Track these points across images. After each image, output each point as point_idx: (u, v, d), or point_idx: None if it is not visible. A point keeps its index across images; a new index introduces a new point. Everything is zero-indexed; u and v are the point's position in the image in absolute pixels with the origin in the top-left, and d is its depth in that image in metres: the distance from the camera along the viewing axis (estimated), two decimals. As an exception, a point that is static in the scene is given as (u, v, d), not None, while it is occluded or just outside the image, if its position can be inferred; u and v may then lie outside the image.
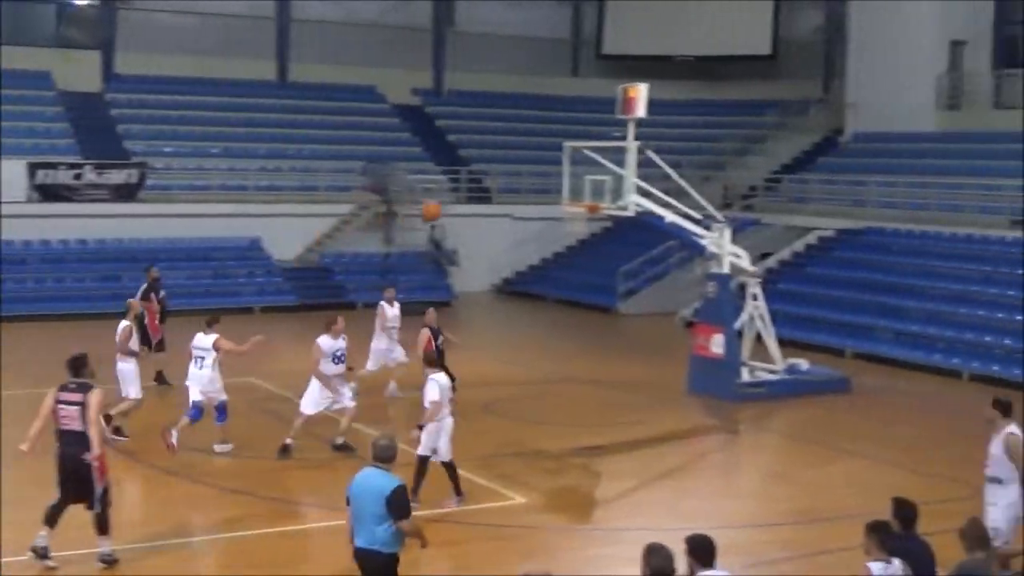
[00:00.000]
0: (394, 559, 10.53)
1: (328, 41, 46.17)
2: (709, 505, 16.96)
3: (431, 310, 22.23)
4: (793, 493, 17.84)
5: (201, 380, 18.57)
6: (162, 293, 25.23)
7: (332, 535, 14.99)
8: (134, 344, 20.12)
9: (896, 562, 9.59)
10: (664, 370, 24.15)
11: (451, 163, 43.35)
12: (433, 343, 20.98)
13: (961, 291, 29.77)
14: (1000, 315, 28.23)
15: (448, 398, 15.99)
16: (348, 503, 10.71)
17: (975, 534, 10.19)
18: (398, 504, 10.36)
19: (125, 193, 37.05)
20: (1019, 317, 27.72)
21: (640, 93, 23.27)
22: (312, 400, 18.85)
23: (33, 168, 36.01)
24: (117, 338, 19.76)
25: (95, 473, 13.20)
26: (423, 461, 15.94)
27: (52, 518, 13.34)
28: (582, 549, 15.14)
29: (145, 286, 25.16)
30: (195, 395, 18.53)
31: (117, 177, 37.02)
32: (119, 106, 41.80)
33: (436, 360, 17.37)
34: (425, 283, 38.47)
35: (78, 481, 13.22)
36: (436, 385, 15.72)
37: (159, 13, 44.18)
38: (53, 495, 13.40)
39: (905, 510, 10.32)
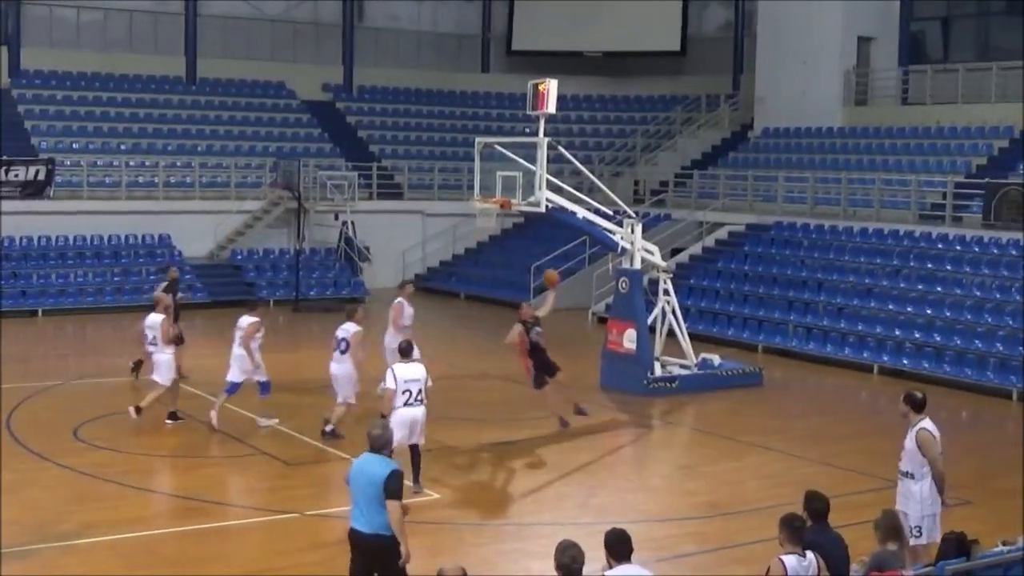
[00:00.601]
0: (396, 541, 10.88)
1: (236, 37, 45.85)
2: (620, 499, 17.02)
3: (526, 304, 21.84)
4: (704, 487, 17.94)
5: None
6: (180, 294, 24.72)
7: (243, 534, 14.91)
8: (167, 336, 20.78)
9: (810, 555, 9.65)
10: (576, 365, 24.13)
11: (361, 159, 43.14)
12: (527, 338, 20.67)
13: (870, 285, 30.11)
14: (909, 309, 28.59)
15: None
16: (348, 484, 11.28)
17: (888, 525, 10.30)
18: (392, 487, 10.82)
19: (33, 190, 36.46)
20: (928, 311, 28.13)
21: (550, 88, 23.26)
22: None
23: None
24: (158, 331, 20.53)
25: None
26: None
27: None
28: (494, 544, 15.12)
29: (165, 284, 25.02)
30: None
31: (25, 174, 36.41)
32: (25, 102, 41.11)
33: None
34: (337, 280, 38.34)
35: None
36: None
37: (64, 8, 43.51)
38: None
39: (817, 503, 10.39)
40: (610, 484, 18.11)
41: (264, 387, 20.74)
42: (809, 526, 9.98)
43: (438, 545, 14.84)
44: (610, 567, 9.07)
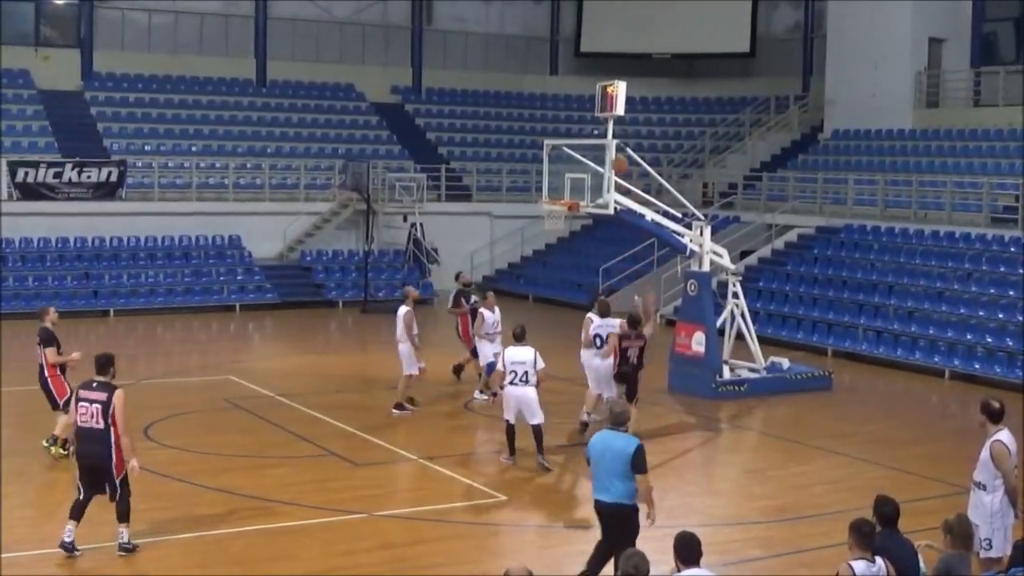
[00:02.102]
0: (636, 510, 12.09)
1: (305, 39, 46.13)
2: (687, 503, 16.95)
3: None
4: (771, 491, 17.84)
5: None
6: (473, 299, 24.80)
7: (310, 533, 15.00)
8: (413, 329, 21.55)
9: (879, 561, 9.57)
10: (644, 368, 24.04)
11: (430, 161, 43.27)
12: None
13: (941, 289, 29.81)
14: (981, 313, 28.28)
15: None
16: (588, 462, 12.34)
17: (962, 531, 10.18)
18: (638, 461, 11.96)
19: (105, 191, 36.90)
20: (1000, 315, 27.79)
21: (619, 91, 23.21)
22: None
23: (13, 167, 35.86)
24: (401, 323, 21.40)
25: (113, 467, 13.68)
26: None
27: (76, 512, 13.83)
28: (561, 547, 15.10)
29: (455, 292, 25.23)
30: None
31: (97, 175, 36.86)
32: (97, 104, 41.61)
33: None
34: (405, 281, 38.43)
35: (96, 476, 13.76)
36: None
37: (136, 12, 44.01)
38: (76, 491, 13.89)
39: (886, 508, 10.30)
40: (677, 487, 18.03)
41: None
42: (879, 531, 9.89)
43: (504, 546, 14.89)
44: (678, 571, 9.08)
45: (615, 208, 23.57)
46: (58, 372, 18.04)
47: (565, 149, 24.88)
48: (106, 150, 39.39)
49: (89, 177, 36.72)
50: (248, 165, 40.70)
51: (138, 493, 14.26)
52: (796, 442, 20.88)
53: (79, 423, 13.76)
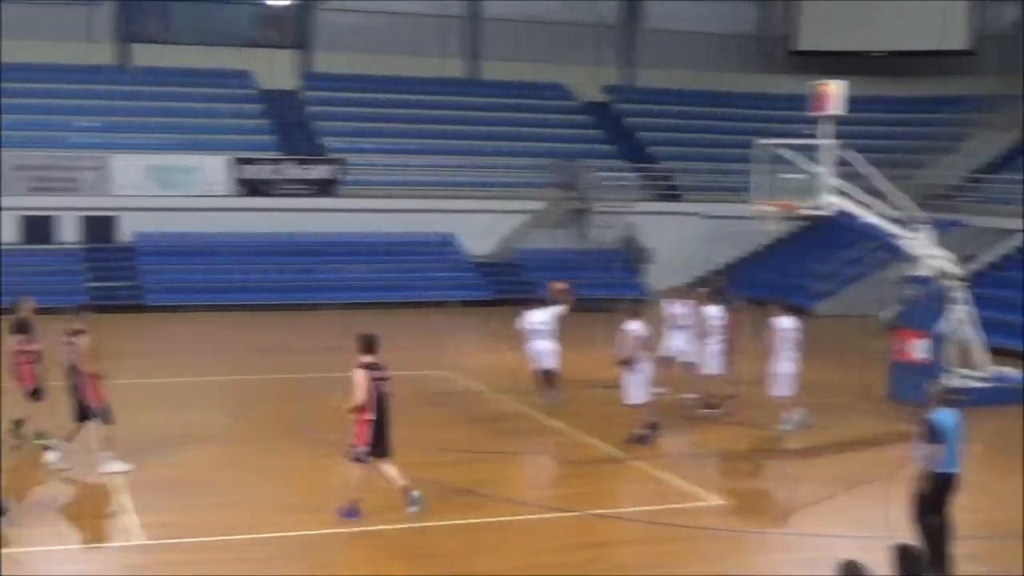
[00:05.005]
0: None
1: (515, 39, 46.35)
2: (903, 513, 16.41)
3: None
4: (987, 504, 17.16)
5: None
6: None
7: (517, 529, 14.98)
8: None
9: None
10: (862, 374, 23.49)
11: (639, 160, 43.07)
12: None
13: None
14: None
15: None
16: (940, 440, 13.26)
17: None
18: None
19: (324, 188, 37.74)
20: None
21: (834, 89, 22.69)
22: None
23: (236, 163, 36.96)
24: (713, 323, 21.73)
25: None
26: None
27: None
28: (777, 553, 14.80)
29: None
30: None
31: (316, 172, 37.74)
32: (315, 103, 42.56)
33: None
34: (618, 280, 38.30)
35: None
36: None
37: (351, 13, 44.86)
38: None
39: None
40: (898, 498, 17.50)
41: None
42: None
43: (717, 551, 14.64)
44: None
45: (832, 210, 23.05)
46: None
47: (779, 149, 24.43)
48: (322, 148, 40.26)
49: (309, 174, 37.61)
50: (462, 163, 41.11)
51: (346, 482, 14.55)
52: (1016, 458, 20.07)
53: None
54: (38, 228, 36.73)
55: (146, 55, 42.84)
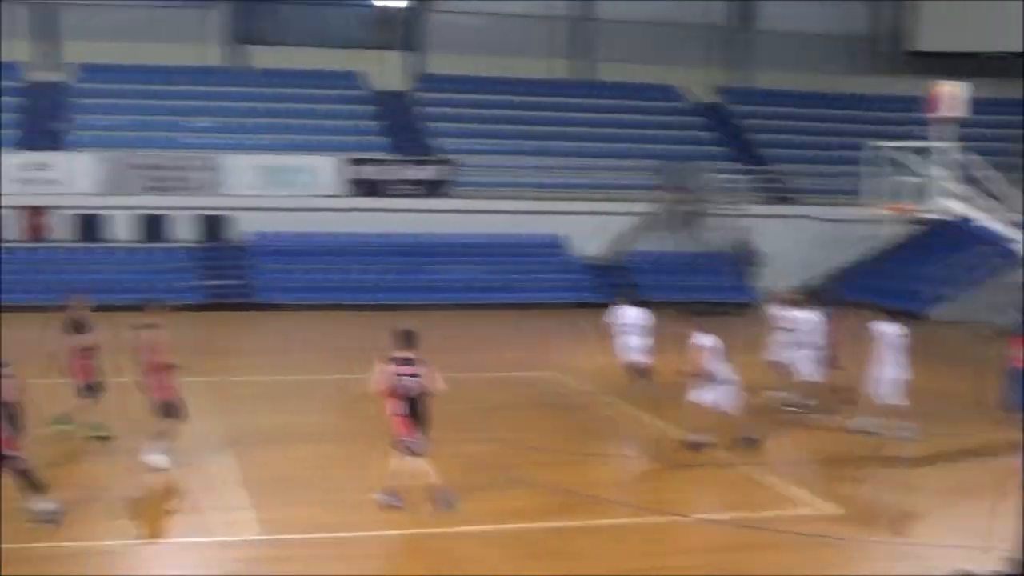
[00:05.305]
0: None
1: (627, 40, 46.18)
2: (1014, 525, 16.03)
3: None
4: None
5: None
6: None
7: (616, 532, 14.87)
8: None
9: None
10: (975, 382, 22.98)
11: (751, 163, 42.67)
12: None
13: None
14: None
15: None
16: None
17: None
18: None
19: (435, 189, 37.92)
20: None
21: (952, 91, 22.30)
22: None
23: (348, 164, 37.28)
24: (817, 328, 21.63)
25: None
26: None
27: None
28: (887, 561, 14.54)
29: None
30: None
31: (427, 173, 37.94)
32: (425, 104, 42.77)
33: None
34: (728, 284, 37.97)
35: None
36: None
37: (461, 15, 45.02)
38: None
39: None
40: (1009, 510, 17.12)
41: None
42: None
43: (829, 559, 14.41)
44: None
45: (950, 214, 22.64)
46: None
47: (894, 152, 24.06)
48: (432, 149, 40.44)
49: (420, 175, 37.83)
50: (572, 165, 41.05)
51: (451, 482, 14.57)
52: None
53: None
54: (154, 227, 37.37)
55: (259, 57, 43.39)
